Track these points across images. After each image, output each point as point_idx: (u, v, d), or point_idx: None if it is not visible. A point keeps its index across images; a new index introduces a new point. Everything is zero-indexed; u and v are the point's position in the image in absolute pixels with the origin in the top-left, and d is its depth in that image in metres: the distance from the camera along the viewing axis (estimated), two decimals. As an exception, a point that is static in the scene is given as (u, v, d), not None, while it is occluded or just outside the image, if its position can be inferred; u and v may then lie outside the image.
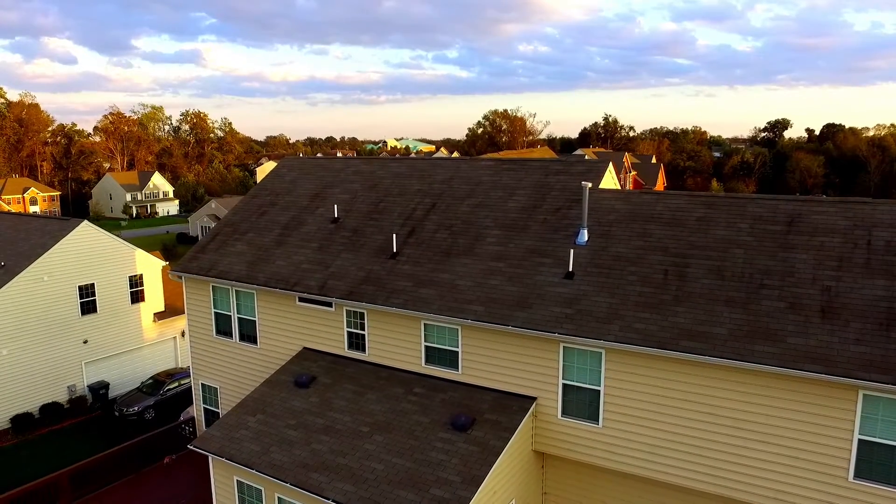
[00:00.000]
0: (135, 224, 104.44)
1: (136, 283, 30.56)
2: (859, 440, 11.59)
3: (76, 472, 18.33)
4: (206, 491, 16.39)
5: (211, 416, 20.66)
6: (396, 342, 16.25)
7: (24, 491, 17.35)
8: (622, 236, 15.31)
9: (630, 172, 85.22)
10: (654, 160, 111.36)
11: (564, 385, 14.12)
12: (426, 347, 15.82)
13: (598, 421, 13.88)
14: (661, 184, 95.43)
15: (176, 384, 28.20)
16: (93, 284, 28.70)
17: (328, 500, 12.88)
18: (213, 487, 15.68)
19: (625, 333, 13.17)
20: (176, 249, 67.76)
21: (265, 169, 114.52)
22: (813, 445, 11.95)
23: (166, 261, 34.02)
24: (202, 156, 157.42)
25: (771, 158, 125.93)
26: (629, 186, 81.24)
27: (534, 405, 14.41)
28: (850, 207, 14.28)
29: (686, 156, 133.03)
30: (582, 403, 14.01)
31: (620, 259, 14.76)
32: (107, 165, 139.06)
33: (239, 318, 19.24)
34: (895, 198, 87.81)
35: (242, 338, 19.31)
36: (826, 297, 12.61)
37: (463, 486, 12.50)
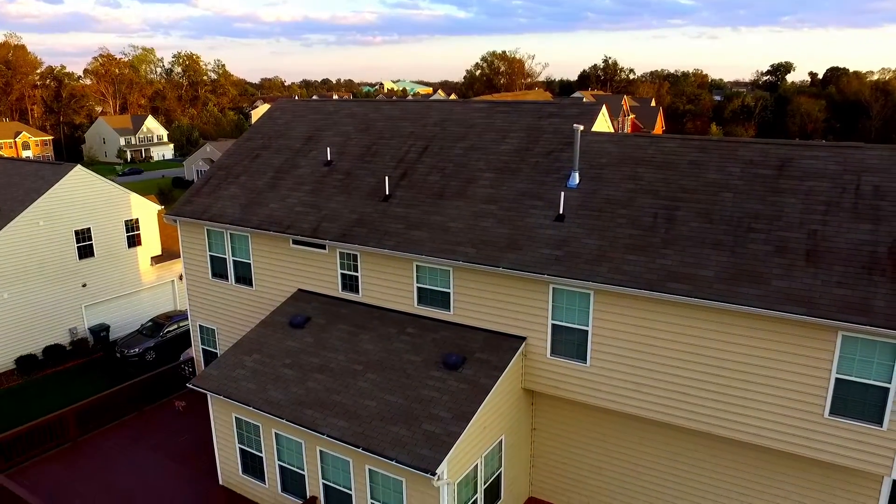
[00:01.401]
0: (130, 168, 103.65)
1: (132, 227, 30.70)
2: (836, 379, 11.96)
3: (82, 409, 18.86)
4: (207, 428, 16.94)
5: (209, 357, 21.13)
6: (389, 283, 16.51)
7: (33, 427, 17.90)
8: (613, 179, 15.37)
9: (628, 116, 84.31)
10: (653, 103, 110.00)
11: (553, 325, 14.45)
12: (418, 288, 16.10)
13: (585, 360, 14.26)
14: (659, 127, 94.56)
15: (175, 326, 28.66)
16: (89, 229, 28.83)
17: (323, 435, 13.37)
18: (212, 424, 16.21)
19: (613, 275, 13.41)
20: (172, 193, 67.62)
21: (260, 112, 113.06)
22: (792, 384, 12.34)
23: (162, 205, 34.04)
24: (196, 99, 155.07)
25: (772, 102, 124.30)
26: (627, 130, 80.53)
27: (523, 345, 14.78)
28: (841, 152, 14.29)
29: (686, 99, 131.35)
30: (570, 343, 14.37)
31: (611, 202, 14.87)
32: (99, 109, 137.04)
33: (234, 261, 19.45)
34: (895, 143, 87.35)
35: (238, 280, 19.57)
36: (812, 241, 12.79)
37: (453, 422, 12.96)
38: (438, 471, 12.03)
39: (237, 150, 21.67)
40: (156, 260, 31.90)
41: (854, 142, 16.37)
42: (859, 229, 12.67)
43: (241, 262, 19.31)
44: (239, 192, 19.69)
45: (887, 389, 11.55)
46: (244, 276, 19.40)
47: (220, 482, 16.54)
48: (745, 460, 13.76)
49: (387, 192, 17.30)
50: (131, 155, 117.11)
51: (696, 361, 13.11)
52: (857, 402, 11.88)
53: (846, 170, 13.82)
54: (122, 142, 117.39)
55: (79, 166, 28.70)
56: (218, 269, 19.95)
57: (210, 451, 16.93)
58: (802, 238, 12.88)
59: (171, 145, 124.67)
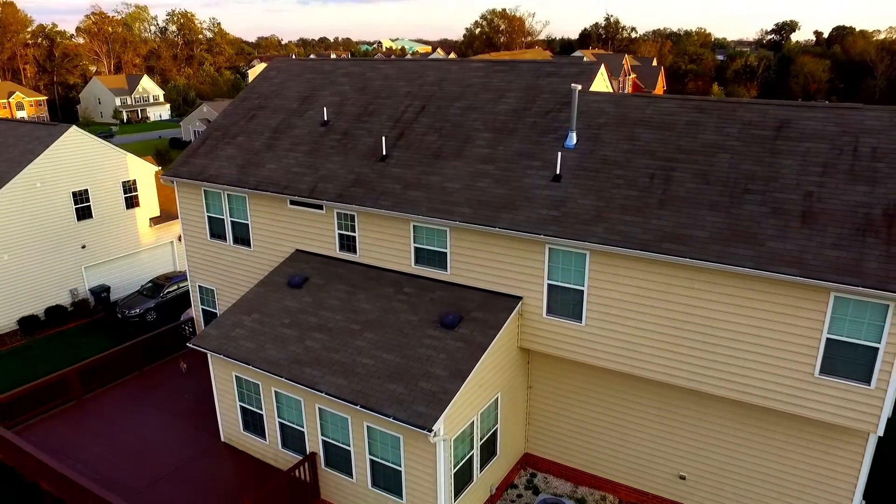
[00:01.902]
0: (126, 129, 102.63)
1: (129, 188, 30.61)
2: (827, 339, 12.14)
3: (84, 368, 19.11)
4: (208, 387, 17.22)
5: (209, 317, 21.34)
6: (386, 244, 16.59)
7: (36, 386, 18.17)
8: (610, 140, 15.32)
9: (629, 75, 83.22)
10: (654, 63, 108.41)
11: (549, 285, 14.58)
12: (415, 248, 16.18)
13: (581, 319, 14.44)
14: (660, 87, 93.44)
15: (175, 287, 28.85)
16: (86, 190, 28.74)
17: (321, 392, 13.62)
18: (213, 383, 16.48)
19: (609, 235, 13.48)
20: (169, 154, 67.13)
21: (257, 71, 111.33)
22: (784, 344, 12.52)
23: (159, 166, 33.88)
24: (192, 58, 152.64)
25: (775, 62, 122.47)
26: (628, 90, 79.60)
27: (519, 304, 14.93)
28: (840, 114, 14.21)
29: (688, 59, 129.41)
30: (566, 302, 14.53)
31: (608, 162, 14.85)
32: (93, 69, 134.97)
33: (232, 222, 19.48)
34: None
35: (236, 241, 19.64)
36: (807, 202, 12.82)
37: (450, 379, 13.19)
38: (435, 427, 12.30)
39: (233, 110, 21.50)
40: (154, 221, 31.90)
41: (854, 103, 16.21)
42: (855, 191, 12.69)
43: (239, 223, 19.35)
44: (236, 152, 19.61)
45: (877, 349, 11.73)
46: (242, 237, 19.47)
47: (222, 439, 16.89)
48: (735, 417, 14.05)
49: (384, 153, 17.25)
50: (127, 115, 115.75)
51: (690, 321, 13.28)
52: (846, 361, 12.08)
53: (844, 131, 13.76)
54: (118, 102, 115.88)
55: (74, 127, 28.47)
56: (216, 229, 20.00)
57: (211, 409, 17.26)
58: (798, 199, 12.91)
59: (168, 105, 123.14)
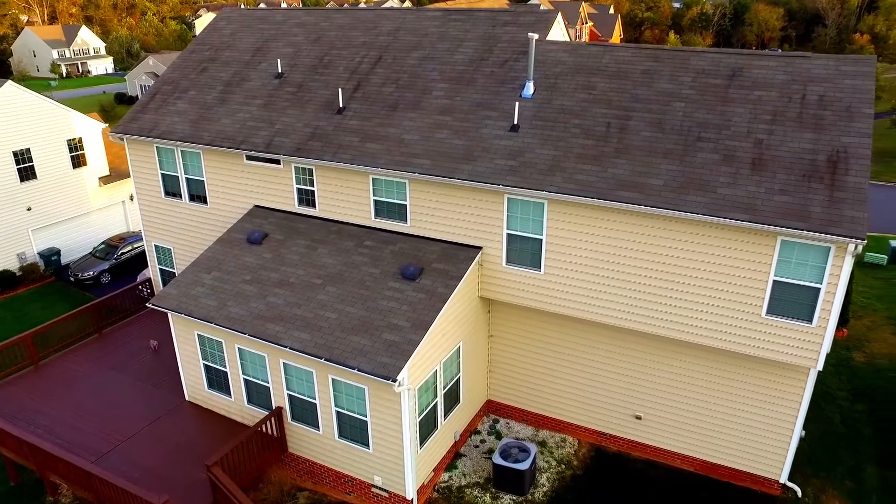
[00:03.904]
0: (66, 84, 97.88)
1: (75, 147, 29.47)
2: (774, 281, 12.67)
3: (40, 333, 18.70)
4: (170, 346, 17.10)
5: (167, 277, 21.01)
6: (346, 197, 16.49)
7: (-12, 352, 17.76)
8: (567, 89, 15.36)
9: (586, 24, 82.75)
10: (611, 10, 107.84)
11: (508, 235, 14.77)
12: (375, 201, 16.13)
13: (539, 268, 14.71)
14: (617, 36, 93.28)
15: (129, 248, 28.25)
16: (28, 149, 27.58)
17: (285, 347, 13.68)
18: (175, 342, 16.36)
19: (566, 185, 13.66)
20: (115, 111, 64.57)
21: (205, 22, 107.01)
22: (734, 287, 13.02)
23: (106, 123, 32.63)
24: (133, 7, 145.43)
25: (730, 11, 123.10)
26: (585, 38, 79.22)
27: (479, 254, 15.12)
28: (790, 62, 14.49)
29: (644, 6, 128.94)
30: (525, 252, 14.76)
31: (565, 112, 14.92)
32: (24, 18, 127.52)
33: (187, 179, 19.03)
34: (848, 52, 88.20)
35: (192, 198, 19.23)
36: (758, 149, 13.17)
37: (412, 330, 13.38)
38: (399, 377, 12.53)
39: (183, 63, 20.75)
40: (104, 180, 30.90)
41: (804, 52, 16.53)
42: (802, 138, 13.08)
43: (194, 180, 18.92)
44: (188, 107, 19.02)
45: (818, 290, 12.31)
46: (198, 194, 19.07)
47: (187, 398, 16.88)
48: (688, 359, 14.66)
49: (341, 105, 16.97)
50: (66, 69, 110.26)
51: (645, 267, 13.67)
52: (791, 302, 12.66)
53: (794, 80, 14.07)
54: (55, 55, 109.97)
55: (10, 82, 27.06)
56: (170, 187, 19.53)
57: (173, 369, 17.17)
58: (749, 147, 13.25)
59: (111, 58, 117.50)
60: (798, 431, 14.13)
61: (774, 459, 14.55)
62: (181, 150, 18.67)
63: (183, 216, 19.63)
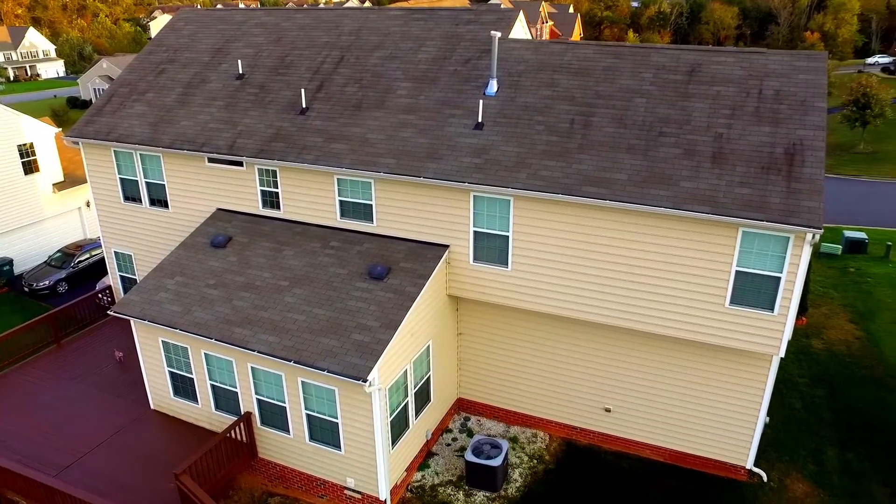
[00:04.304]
0: (14, 88, 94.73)
1: (26, 152, 28.47)
2: (736, 271, 12.95)
3: (-7, 345, 18.10)
4: (133, 355, 16.69)
5: (128, 283, 20.52)
6: (310, 198, 16.31)
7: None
8: (531, 86, 15.46)
9: (547, 23, 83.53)
10: (571, 10, 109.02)
11: (475, 232, 14.79)
12: (340, 202, 16.00)
13: (507, 265, 14.77)
14: (577, 35, 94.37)
15: (87, 255, 27.50)
16: (-25, 155, 26.61)
17: (253, 351, 13.47)
18: (138, 350, 15.98)
19: (532, 181, 13.74)
20: (68, 115, 62.83)
21: (160, 24, 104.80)
22: (698, 278, 13.27)
23: (59, 127, 31.67)
24: (84, 9, 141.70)
25: (687, 10, 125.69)
26: (546, 37, 79.96)
27: (447, 252, 15.11)
28: (746, 58, 14.85)
29: (603, 6, 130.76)
30: (492, 249, 14.81)
31: (529, 109, 15.02)
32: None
33: (147, 183, 18.60)
34: (800, 49, 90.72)
35: (152, 203, 18.80)
36: (718, 143, 13.45)
37: (382, 330, 13.30)
38: (370, 377, 12.44)
39: (140, 64, 20.27)
40: (58, 187, 29.97)
41: (759, 48, 16.94)
42: (760, 131, 13.40)
43: (155, 184, 18.50)
44: (146, 109, 18.59)
45: (779, 278, 12.62)
46: (159, 199, 18.65)
47: (152, 406, 16.49)
48: (654, 350, 14.88)
49: (304, 105, 16.78)
50: (14, 73, 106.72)
51: (611, 261, 13.83)
52: (753, 291, 12.95)
53: (751, 75, 14.41)
54: (1, 58, 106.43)
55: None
56: (129, 192, 19.06)
57: (137, 378, 16.75)
58: (709, 141, 13.52)
59: (62, 62, 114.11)
60: (762, 418, 14.46)
61: (741, 446, 14.87)
62: (140, 154, 18.24)
63: (143, 221, 19.18)
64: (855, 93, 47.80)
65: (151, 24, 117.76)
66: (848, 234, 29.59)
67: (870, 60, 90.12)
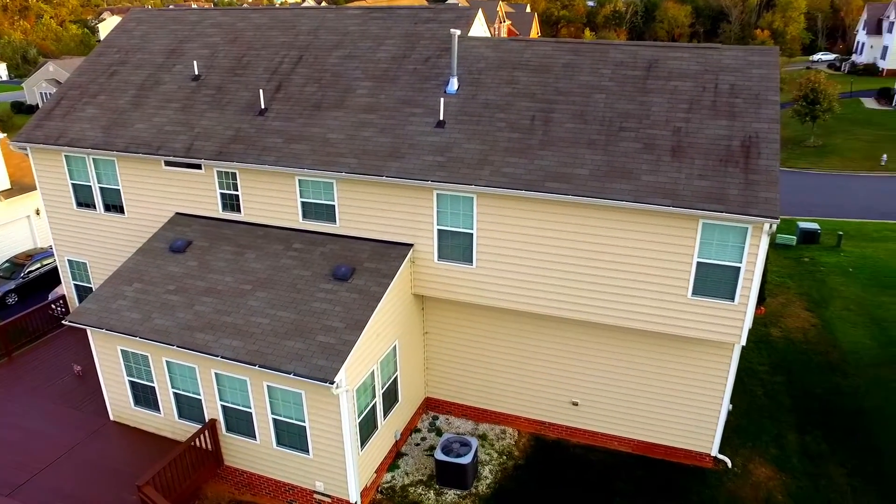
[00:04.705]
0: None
1: (-30, 159, 27.41)
2: (697, 262, 13.18)
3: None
4: (90, 365, 16.17)
5: (83, 292, 19.89)
6: (272, 200, 16.05)
7: None
8: (491, 84, 15.49)
9: (504, 22, 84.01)
10: (528, 9, 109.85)
11: (439, 230, 14.75)
12: (302, 203, 15.78)
13: (471, 262, 14.77)
14: (535, 33, 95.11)
15: (38, 265, 26.55)
16: (-84, 163, 25.47)
17: (217, 357, 13.19)
18: (96, 360, 15.50)
19: (495, 178, 13.76)
20: (13, 120, 60.64)
21: (109, 26, 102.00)
22: (661, 270, 13.47)
23: (3, 133, 30.54)
24: (27, 10, 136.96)
25: (642, 8, 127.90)
26: (504, 36, 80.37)
27: (411, 251, 15.03)
28: (702, 53, 15.13)
29: (560, 4, 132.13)
30: (456, 247, 14.79)
31: (490, 106, 15.04)
32: None
33: (101, 188, 18.07)
34: (751, 45, 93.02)
35: (107, 208, 18.27)
36: (676, 137, 13.67)
37: (347, 331, 13.16)
38: (337, 379, 12.30)
39: (90, 66, 19.67)
40: (5, 195, 28.86)
41: (713, 44, 17.29)
42: (717, 125, 13.67)
43: (109, 189, 17.98)
44: (98, 112, 18.04)
45: (738, 268, 12.89)
46: (114, 204, 18.12)
47: (112, 418, 16.01)
48: (619, 343, 15.05)
49: (262, 106, 16.51)
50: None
51: (575, 256, 13.94)
52: (714, 281, 13.20)
53: (706, 70, 14.69)
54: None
55: None
56: (82, 198, 18.48)
57: (95, 389, 16.24)
58: (668, 135, 13.74)
59: (4, 65, 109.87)
60: (726, 406, 14.76)
61: (706, 434, 15.15)
62: (93, 158, 17.71)
63: (98, 228, 18.62)
64: (804, 88, 49.21)
65: (100, 25, 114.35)
66: (802, 224, 30.47)
67: (814, 57, 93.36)
